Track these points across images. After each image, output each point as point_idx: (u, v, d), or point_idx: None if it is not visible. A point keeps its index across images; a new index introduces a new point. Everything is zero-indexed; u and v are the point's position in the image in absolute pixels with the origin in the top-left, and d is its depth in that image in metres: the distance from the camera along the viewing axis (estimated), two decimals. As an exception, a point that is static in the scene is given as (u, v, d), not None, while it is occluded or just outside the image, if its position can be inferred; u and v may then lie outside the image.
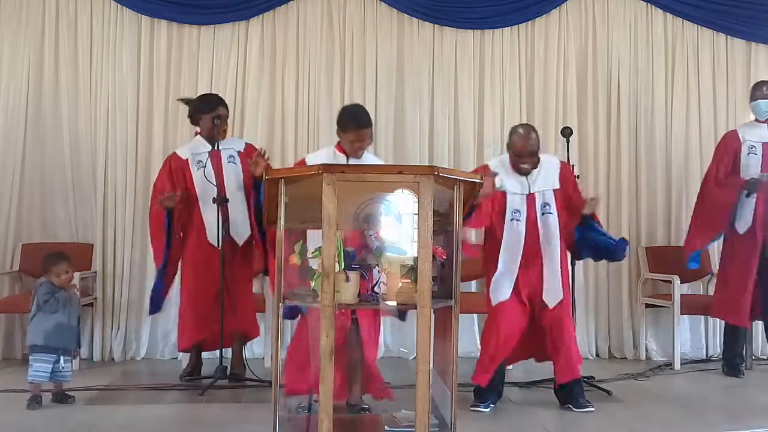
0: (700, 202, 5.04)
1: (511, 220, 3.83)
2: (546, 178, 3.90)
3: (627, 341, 5.52)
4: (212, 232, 4.39)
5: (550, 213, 3.85)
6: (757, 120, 4.95)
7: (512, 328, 3.82)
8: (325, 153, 3.82)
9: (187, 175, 4.47)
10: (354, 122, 3.68)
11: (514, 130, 3.92)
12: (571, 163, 4.32)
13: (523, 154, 3.83)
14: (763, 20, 5.69)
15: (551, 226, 3.84)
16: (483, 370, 3.88)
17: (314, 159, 3.71)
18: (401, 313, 3.87)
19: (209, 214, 4.40)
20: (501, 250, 3.83)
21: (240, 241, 4.46)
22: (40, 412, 3.76)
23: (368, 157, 3.84)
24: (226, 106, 4.56)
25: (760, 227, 4.74)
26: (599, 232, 3.96)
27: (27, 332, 3.98)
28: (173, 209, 4.34)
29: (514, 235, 3.83)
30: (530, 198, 3.86)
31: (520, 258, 3.82)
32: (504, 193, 3.83)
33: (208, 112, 4.46)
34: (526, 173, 3.87)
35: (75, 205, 5.34)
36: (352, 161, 3.69)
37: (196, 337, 4.51)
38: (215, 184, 4.38)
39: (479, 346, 4.10)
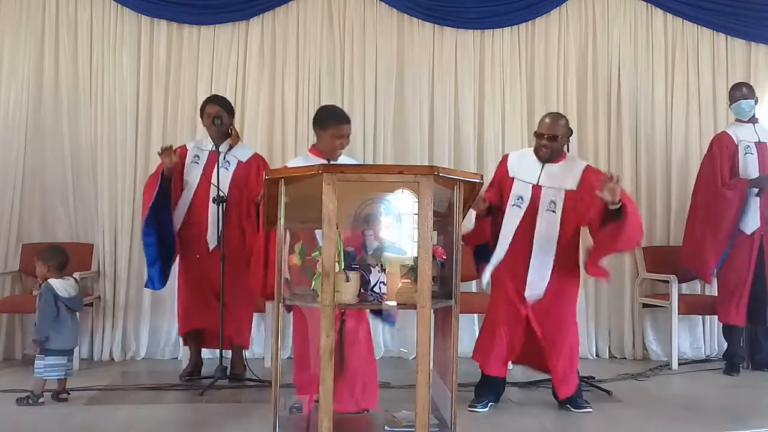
0: (706, 209, 4.89)
1: (513, 205, 3.83)
2: (561, 177, 3.83)
3: (627, 341, 5.52)
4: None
5: (553, 212, 3.79)
6: (738, 120, 4.97)
7: (508, 315, 3.82)
8: (299, 160, 3.76)
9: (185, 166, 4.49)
10: (334, 118, 3.67)
11: (543, 116, 4.00)
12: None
13: (541, 136, 3.86)
14: (763, 20, 5.69)
15: (550, 226, 3.78)
16: (483, 354, 3.90)
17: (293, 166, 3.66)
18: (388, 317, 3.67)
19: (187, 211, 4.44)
20: (501, 233, 3.82)
21: (211, 246, 4.39)
22: (40, 412, 3.75)
23: (343, 160, 3.73)
24: (219, 103, 4.51)
25: (764, 226, 4.75)
26: None
27: (60, 333, 3.91)
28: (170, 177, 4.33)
29: (509, 221, 3.81)
30: (536, 189, 3.83)
31: (507, 244, 3.78)
32: (512, 181, 3.87)
33: (203, 111, 4.52)
34: (544, 158, 3.85)
35: (75, 205, 5.35)
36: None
37: (189, 326, 4.52)
38: (199, 181, 4.40)
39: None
